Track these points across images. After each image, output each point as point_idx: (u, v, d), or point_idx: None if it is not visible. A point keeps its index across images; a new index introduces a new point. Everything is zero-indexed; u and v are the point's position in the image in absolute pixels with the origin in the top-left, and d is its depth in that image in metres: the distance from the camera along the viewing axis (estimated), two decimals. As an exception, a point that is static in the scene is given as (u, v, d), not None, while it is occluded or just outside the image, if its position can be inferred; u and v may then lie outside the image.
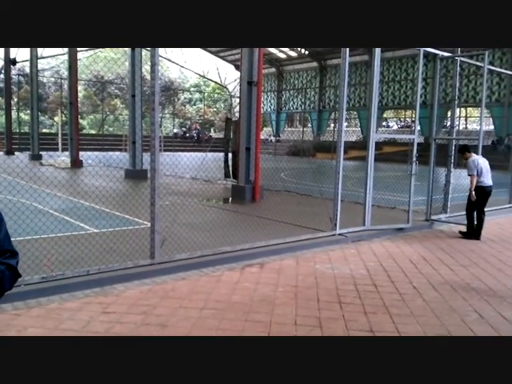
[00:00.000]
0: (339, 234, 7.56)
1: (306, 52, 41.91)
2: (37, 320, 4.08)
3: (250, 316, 4.32)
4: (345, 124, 7.70)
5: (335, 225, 7.56)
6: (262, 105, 12.18)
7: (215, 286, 5.15)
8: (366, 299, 4.87)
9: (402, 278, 5.69)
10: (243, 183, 11.59)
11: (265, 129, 48.06)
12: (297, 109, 46.24)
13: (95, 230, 7.33)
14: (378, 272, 5.88)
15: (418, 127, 10.53)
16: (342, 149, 7.57)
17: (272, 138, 44.85)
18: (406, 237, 8.08)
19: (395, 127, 44.97)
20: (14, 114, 32.10)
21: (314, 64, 42.94)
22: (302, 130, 43.08)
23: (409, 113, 40.15)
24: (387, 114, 43.10)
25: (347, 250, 6.96)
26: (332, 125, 42.44)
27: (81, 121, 38.70)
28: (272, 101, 47.78)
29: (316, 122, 43.32)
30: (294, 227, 7.90)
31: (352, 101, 39.48)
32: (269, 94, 47.41)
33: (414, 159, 8.21)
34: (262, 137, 13.63)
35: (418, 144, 8.48)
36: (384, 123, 43.58)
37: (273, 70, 46.28)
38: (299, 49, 41.64)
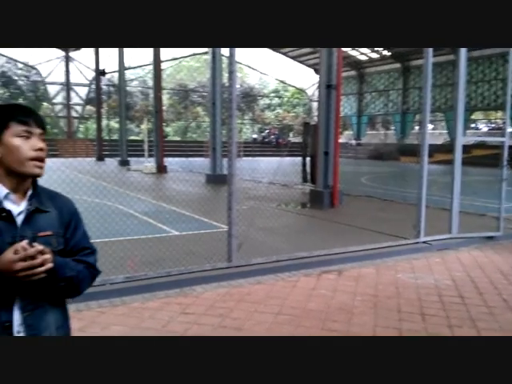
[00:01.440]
0: (423, 242, 7.20)
1: (389, 53, 40.74)
2: (120, 318, 4.26)
3: (326, 324, 4.21)
4: (431, 126, 7.35)
5: (419, 232, 7.22)
6: (341, 108, 11.97)
7: (291, 291, 5.10)
8: (451, 311, 4.57)
9: (491, 289, 5.28)
10: (321, 188, 11.43)
11: (345, 132, 47.35)
12: (379, 111, 45.05)
13: (176, 233, 7.58)
14: (464, 283, 5.51)
15: (510, 129, 9.78)
16: (427, 152, 7.23)
17: (353, 141, 44.07)
18: (497, 246, 7.51)
19: (485, 129, 42.36)
20: (104, 123, 34.22)
21: (397, 65, 41.62)
22: (384, 132, 41.90)
23: (500, 114, 37.62)
24: (476, 115, 40.71)
25: (431, 259, 6.60)
26: (417, 127, 40.82)
27: (165, 128, 40.42)
28: (353, 104, 46.93)
29: (399, 124, 41.93)
30: (374, 234, 7.65)
31: (438, 102, 37.73)
32: (349, 97, 46.63)
33: (505, 163, 7.64)
34: (341, 140, 13.42)
35: (510, 147, 7.88)
36: (473, 125, 41.21)
37: (353, 72, 45.49)
38: (381, 50, 40.60)
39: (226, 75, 21.94)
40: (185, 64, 48.65)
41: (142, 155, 24.48)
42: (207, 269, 5.51)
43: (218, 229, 7.91)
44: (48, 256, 1.42)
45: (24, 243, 1.39)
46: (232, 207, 5.60)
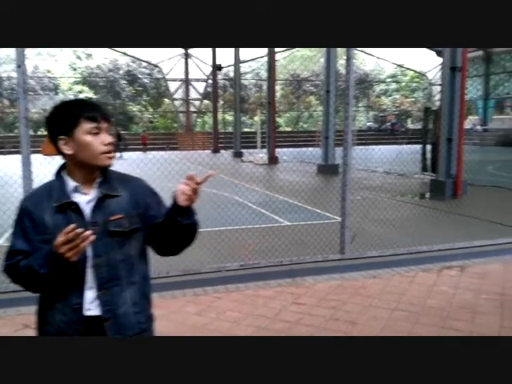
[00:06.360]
0: (561, 238, 6.42)
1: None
2: (235, 304, 4.39)
3: (447, 323, 3.94)
4: None
5: (557, 226, 6.44)
6: (466, 91, 11.12)
7: (408, 287, 4.85)
8: None
9: None
10: (443, 177, 10.74)
11: (469, 117, 43.96)
12: (508, 94, 41.06)
13: (288, 223, 7.61)
14: None
15: None
16: None
17: (478, 127, 40.75)
18: None
19: None
20: (220, 116, 35.50)
21: (531, 42, 37.46)
22: (514, 117, 38.14)
23: None
24: None
25: None
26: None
27: (277, 119, 40.83)
28: (478, 86, 43.32)
29: (532, 107, 37.84)
30: (502, 227, 6.99)
31: None
32: (474, 79, 43.10)
33: None
34: (465, 126, 12.46)
35: None
36: None
37: (479, 53, 41.93)
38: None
39: (340, 62, 21.47)
40: (298, 54, 48.57)
41: (255, 147, 24.99)
42: (319, 260, 5.45)
43: (330, 220, 7.79)
44: (87, 233, 1.45)
45: (70, 227, 1.45)
46: (346, 197, 5.46)
